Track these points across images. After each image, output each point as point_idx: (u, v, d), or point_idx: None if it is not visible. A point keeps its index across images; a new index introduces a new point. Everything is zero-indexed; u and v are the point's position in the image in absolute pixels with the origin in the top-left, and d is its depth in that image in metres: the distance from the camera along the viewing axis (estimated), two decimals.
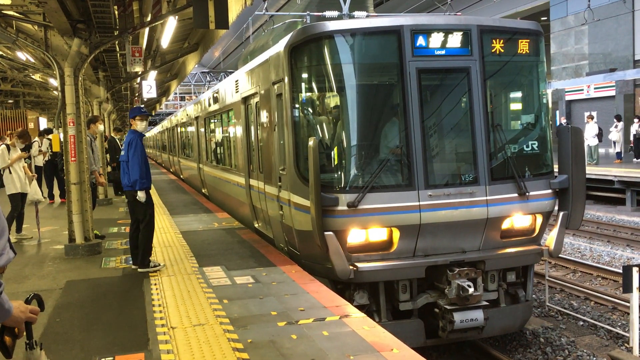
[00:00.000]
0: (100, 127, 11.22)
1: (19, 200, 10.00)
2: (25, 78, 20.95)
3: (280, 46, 7.37)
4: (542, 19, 31.83)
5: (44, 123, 30.99)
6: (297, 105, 7.06)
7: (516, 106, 7.69)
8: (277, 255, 8.04)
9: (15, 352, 2.28)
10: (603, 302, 9.30)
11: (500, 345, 7.73)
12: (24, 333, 2.35)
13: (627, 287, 7.00)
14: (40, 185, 15.40)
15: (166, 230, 10.51)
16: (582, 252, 12.85)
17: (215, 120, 14.00)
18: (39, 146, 16.32)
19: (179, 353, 4.60)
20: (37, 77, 19.73)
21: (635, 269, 6.94)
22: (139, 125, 7.59)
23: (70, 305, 6.18)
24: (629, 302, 7.29)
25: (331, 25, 6.71)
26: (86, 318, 5.71)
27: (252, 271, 7.22)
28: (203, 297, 6.16)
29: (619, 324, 8.36)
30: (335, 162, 6.83)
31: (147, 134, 51.34)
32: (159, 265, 7.40)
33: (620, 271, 7.61)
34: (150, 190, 7.56)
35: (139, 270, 7.30)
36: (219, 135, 13.95)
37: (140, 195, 7.27)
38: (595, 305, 9.27)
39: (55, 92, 21.41)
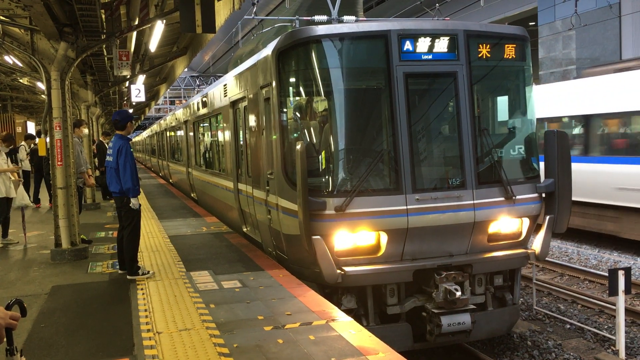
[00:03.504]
0: (85, 130, 11.18)
1: (4, 204, 9.90)
2: (12, 82, 20.81)
3: (268, 50, 7.38)
4: (530, 24, 32.06)
5: (32, 127, 30.75)
6: (284, 110, 7.06)
7: (503, 110, 7.73)
8: (265, 260, 8.03)
9: None
10: (590, 305, 9.36)
11: (488, 349, 7.76)
12: (4, 339, 2.33)
13: (613, 290, 7.06)
14: (28, 190, 15.36)
15: (154, 235, 10.46)
16: (569, 255, 12.93)
17: (204, 125, 13.98)
18: (25, 150, 16.23)
19: (165, 358, 4.57)
20: (24, 80, 19.61)
21: (620, 272, 6.99)
22: (128, 128, 7.55)
23: (55, 310, 6.12)
24: (615, 305, 7.34)
25: (319, 30, 6.73)
26: (71, 323, 5.66)
27: (239, 275, 7.20)
28: (190, 301, 6.13)
29: (606, 327, 8.42)
30: (323, 166, 6.83)
31: (137, 138, 51.12)
32: (148, 272, 7.33)
33: (607, 274, 7.67)
34: (139, 195, 7.52)
35: (128, 277, 7.25)
36: (207, 139, 13.92)
37: (134, 203, 7.23)
38: (582, 309, 9.33)
39: (43, 96, 21.28)
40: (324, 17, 19.62)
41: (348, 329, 5.13)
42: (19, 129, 27.37)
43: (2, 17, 8.64)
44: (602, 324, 8.56)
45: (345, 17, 19.49)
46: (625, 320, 7.46)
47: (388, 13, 32.64)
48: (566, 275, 11.25)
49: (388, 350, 4.61)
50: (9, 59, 13.91)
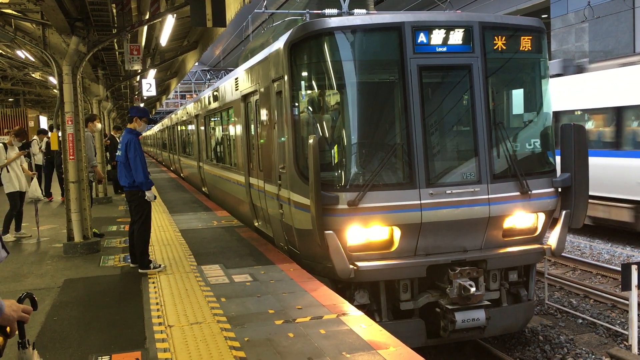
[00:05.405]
0: (99, 125, 11.25)
1: (17, 198, 9.96)
2: (25, 76, 20.92)
3: (279, 43, 7.32)
4: (543, 16, 31.74)
5: (44, 122, 30.94)
6: (296, 103, 7.01)
7: (518, 104, 7.63)
8: (276, 254, 8.00)
9: (7, 352, 2.24)
10: (602, 300, 9.27)
11: (499, 343, 7.70)
12: (16, 332, 2.31)
13: (626, 285, 6.96)
14: (40, 184, 15.45)
15: (165, 229, 10.47)
16: (582, 250, 12.81)
17: (216, 119, 13.96)
18: (38, 144, 16.33)
19: (176, 351, 4.56)
20: (36, 75, 19.70)
21: (634, 267, 6.90)
22: (142, 125, 7.55)
23: (68, 303, 6.14)
24: (628, 300, 7.25)
25: (331, 22, 6.66)
26: (83, 316, 5.68)
27: (250, 269, 7.18)
28: (201, 295, 6.12)
29: (618, 321, 8.33)
30: (336, 160, 6.78)
31: (147, 133, 51.18)
32: (160, 266, 7.34)
33: (620, 269, 7.57)
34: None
35: (140, 271, 7.26)
36: (219, 133, 13.91)
37: (149, 195, 7.26)
38: (594, 303, 9.24)
39: (55, 91, 21.35)
40: (335, 11, 19.56)
41: (359, 323, 5.10)
42: (31, 124, 27.53)
43: (14, 12, 8.66)
44: (614, 319, 8.46)
45: (356, 11, 19.41)
46: (638, 315, 7.35)
47: (399, 6, 32.42)
48: (578, 269, 11.15)
49: (399, 344, 4.57)
50: (21, 53, 13.98)
